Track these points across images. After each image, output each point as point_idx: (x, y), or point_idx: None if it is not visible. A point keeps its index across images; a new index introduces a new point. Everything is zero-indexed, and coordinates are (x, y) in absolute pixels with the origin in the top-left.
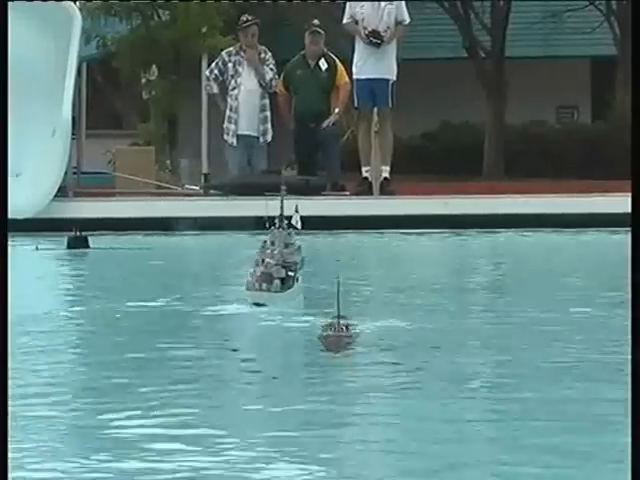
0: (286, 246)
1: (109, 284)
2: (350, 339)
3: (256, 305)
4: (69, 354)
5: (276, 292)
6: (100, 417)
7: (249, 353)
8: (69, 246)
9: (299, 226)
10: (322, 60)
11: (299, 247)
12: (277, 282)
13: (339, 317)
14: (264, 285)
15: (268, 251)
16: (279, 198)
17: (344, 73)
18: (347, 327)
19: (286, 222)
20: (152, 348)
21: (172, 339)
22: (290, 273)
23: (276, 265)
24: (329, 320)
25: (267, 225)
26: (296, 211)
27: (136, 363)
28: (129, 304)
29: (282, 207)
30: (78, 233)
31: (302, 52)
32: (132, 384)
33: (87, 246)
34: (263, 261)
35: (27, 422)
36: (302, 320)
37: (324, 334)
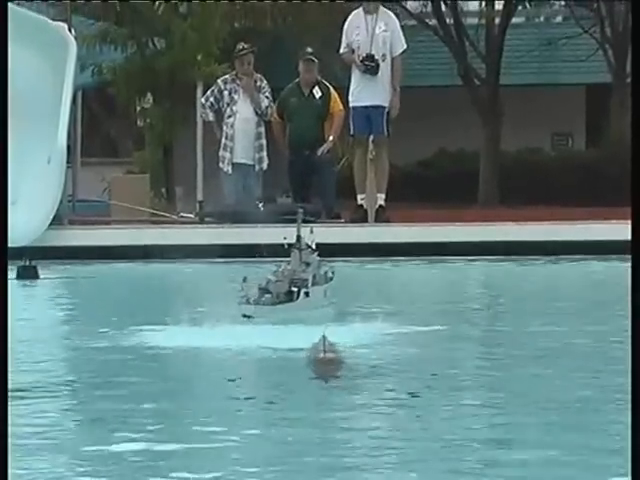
0: (302, 264)
1: (51, 315)
2: (339, 365)
3: (244, 317)
4: None
5: (265, 305)
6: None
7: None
8: (18, 276)
9: (313, 246)
10: (316, 88)
11: (318, 265)
12: (268, 296)
13: (325, 343)
14: (252, 299)
15: (275, 268)
16: (296, 223)
17: (338, 101)
18: (333, 353)
19: (305, 244)
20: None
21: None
22: (293, 288)
23: (277, 281)
24: (314, 346)
25: (286, 246)
26: (311, 232)
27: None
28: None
29: (299, 228)
30: (28, 262)
31: (296, 80)
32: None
33: (37, 276)
34: (266, 278)
35: None
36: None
37: (313, 361)
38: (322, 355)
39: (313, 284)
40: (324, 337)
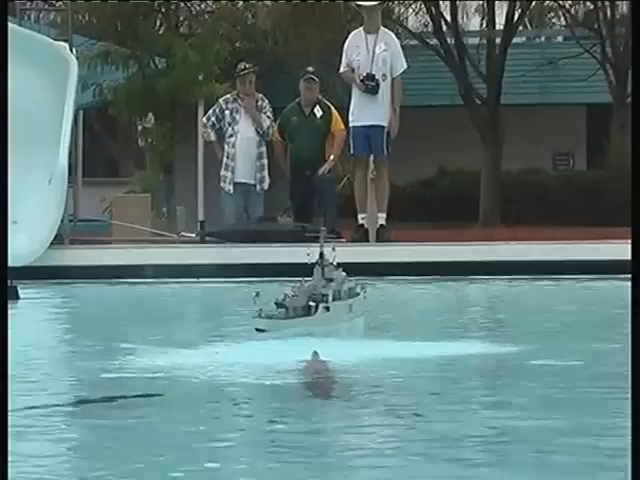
0: (323, 280)
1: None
2: (330, 382)
3: (258, 330)
4: None
5: (279, 319)
6: None
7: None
8: None
9: (335, 263)
10: (317, 107)
11: (342, 281)
12: (282, 310)
13: (316, 360)
14: (264, 313)
15: (295, 284)
16: (318, 242)
17: (339, 120)
18: (324, 370)
19: (328, 261)
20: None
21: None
22: (311, 303)
23: (294, 296)
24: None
25: (310, 263)
26: (333, 250)
27: None
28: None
29: (322, 245)
30: (9, 282)
31: (297, 99)
32: None
33: (17, 297)
34: (284, 293)
35: None
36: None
37: (304, 378)
38: (313, 372)
39: (335, 299)
40: (316, 354)
